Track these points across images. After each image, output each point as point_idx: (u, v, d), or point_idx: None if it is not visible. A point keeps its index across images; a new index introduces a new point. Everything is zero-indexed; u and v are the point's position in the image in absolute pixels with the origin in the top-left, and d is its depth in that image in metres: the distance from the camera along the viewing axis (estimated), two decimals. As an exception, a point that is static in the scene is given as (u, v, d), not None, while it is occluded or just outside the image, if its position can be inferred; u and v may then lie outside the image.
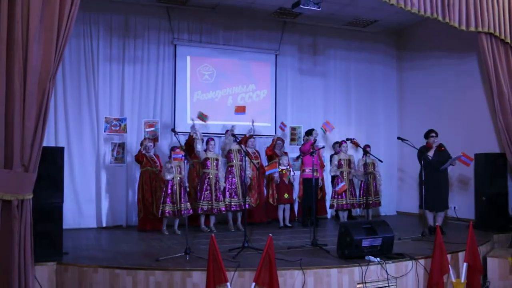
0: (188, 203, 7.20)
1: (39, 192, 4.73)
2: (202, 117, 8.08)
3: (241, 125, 8.75)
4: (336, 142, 9.05)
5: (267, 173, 7.69)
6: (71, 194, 7.76)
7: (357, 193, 8.60)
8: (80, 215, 7.88)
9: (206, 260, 4.43)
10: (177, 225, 7.38)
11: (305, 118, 9.65)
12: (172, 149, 7.35)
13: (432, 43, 9.45)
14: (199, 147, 7.37)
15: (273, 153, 8.44)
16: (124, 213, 8.14)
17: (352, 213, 9.02)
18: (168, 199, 7.13)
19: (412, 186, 9.72)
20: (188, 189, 7.34)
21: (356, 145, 8.02)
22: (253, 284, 4.41)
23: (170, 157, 7.29)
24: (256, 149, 8.56)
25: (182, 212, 7.13)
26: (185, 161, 5.71)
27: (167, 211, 7.11)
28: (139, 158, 7.56)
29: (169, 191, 7.15)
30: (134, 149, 8.10)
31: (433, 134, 7.13)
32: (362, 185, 8.54)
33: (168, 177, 7.05)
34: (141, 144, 7.70)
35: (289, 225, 8.06)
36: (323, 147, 7.92)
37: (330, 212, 9.30)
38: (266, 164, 8.63)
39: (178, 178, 7.20)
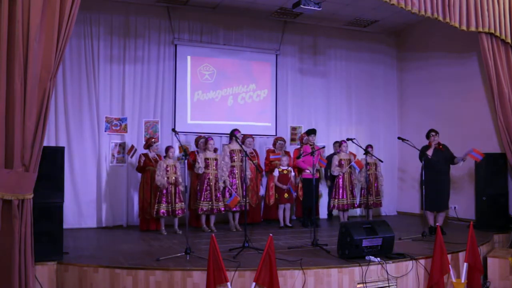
0: (182, 203, 7.23)
1: (40, 191, 4.74)
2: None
3: (242, 125, 8.75)
4: (336, 142, 9.03)
5: (271, 157, 8.20)
6: (72, 194, 7.76)
7: (358, 193, 8.61)
8: (80, 215, 7.88)
9: (206, 260, 4.44)
10: (177, 225, 7.37)
11: (306, 118, 9.66)
12: (167, 149, 7.35)
13: (432, 43, 9.45)
14: (200, 170, 7.39)
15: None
16: (124, 213, 8.14)
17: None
18: (163, 199, 7.14)
19: (413, 186, 9.73)
20: (183, 189, 7.35)
21: (360, 165, 8.00)
22: (254, 284, 4.42)
23: (165, 156, 7.32)
24: (255, 148, 8.57)
25: (177, 212, 7.16)
26: (185, 161, 5.70)
27: (161, 211, 7.12)
28: (141, 170, 7.63)
29: (164, 191, 7.15)
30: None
31: (433, 133, 7.14)
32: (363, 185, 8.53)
33: (159, 183, 7.06)
34: (149, 145, 7.67)
35: (289, 225, 8.06)
36: (324, 147, 7.91)
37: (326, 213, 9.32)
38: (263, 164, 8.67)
39: (173, 177, 7.21)
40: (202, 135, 8.29)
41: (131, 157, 7.90)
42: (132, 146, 7.88)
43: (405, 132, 9.77)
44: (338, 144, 8.72)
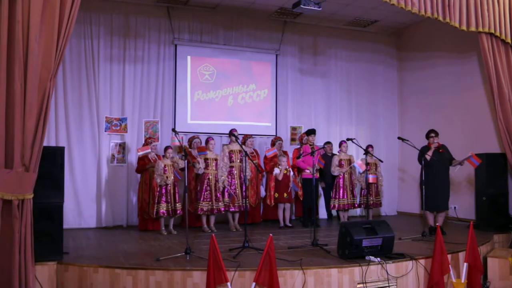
0: (179, 203, 7.25)
1: (40, 191, 4.74)
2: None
3: (242, 125, 8.76)
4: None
5: (267, 154, 8.24)
6: (72, 194, 7.77)
7: (358, 193, 8.60)
8: (80, 215, 7.89)
9: (206, 260, 4.44)
10: (172, 225, 7.35)
11: (306, 118, 9.66)
12: (166, 149, 7.35)
13: (432, 43, 9.45)
14: (200, 171, 7.42)
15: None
16: (124, 213, 8.14)
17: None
18: (162, 199, 7.14)
19: (413, 186, 9.73)
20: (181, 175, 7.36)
21: (363, 168, 8.02)
22: (254, 284, 4.41)
23: (163, 156, 7.32)
24: (255, 148, 8.56)
25: (178, 212, 7.18)
26: (185, 161, 5.70)
27: (161, 211, 7.12)
28: (139, 171, 7.65)
29: (163, 190, 7.15)
30: (135, 149, 8.09)
31: (432, 135, 7.14)
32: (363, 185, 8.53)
33: (158, 180, 7.07)
34: (147, 143, 7.66)
35: (289, 225, 8.05)
36: (323, 147, 7.89)
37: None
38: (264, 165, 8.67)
39: (172, 177, 7.21)
40: (202, 135, 8.28)
41: (139, 153, 7.63)
42: (147, 145, 7.70)
43: (405, 132, 9.77)
44: (337, 145, 8.67)
